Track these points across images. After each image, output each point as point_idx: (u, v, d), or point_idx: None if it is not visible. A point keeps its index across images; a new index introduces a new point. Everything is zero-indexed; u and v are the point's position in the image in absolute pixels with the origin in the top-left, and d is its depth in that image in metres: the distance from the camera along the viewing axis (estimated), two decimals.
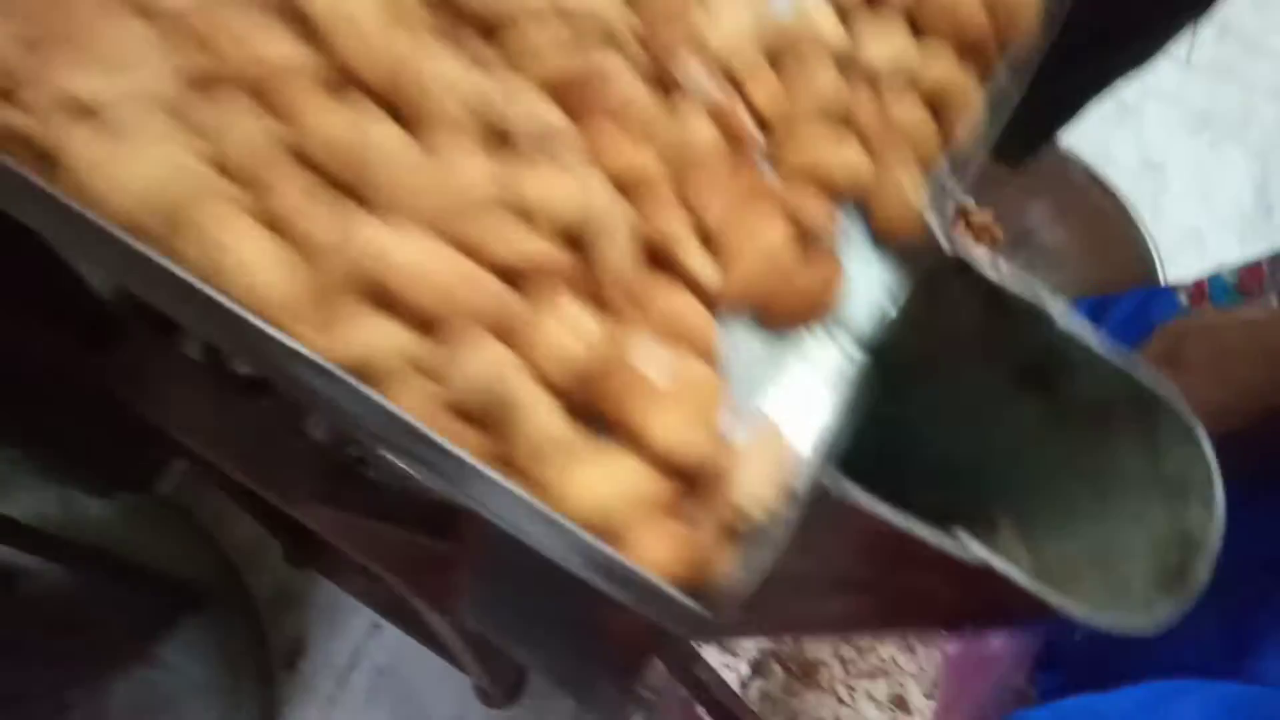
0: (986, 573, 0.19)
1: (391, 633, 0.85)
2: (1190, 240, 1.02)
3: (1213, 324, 0.39)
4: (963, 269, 0.22)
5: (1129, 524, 0.22)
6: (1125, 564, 0.21)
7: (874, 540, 0.20)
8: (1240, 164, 1.07)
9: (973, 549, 0.19)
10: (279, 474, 0.48)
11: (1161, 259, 0.81)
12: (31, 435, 0.55)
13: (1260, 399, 0.34)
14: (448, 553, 0.37)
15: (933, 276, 0.23)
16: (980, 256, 0.22)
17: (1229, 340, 0.37)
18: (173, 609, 0.82)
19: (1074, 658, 0.46)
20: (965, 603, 0.22)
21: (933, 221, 0.23)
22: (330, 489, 0.46)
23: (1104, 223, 0.85)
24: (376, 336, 0.21)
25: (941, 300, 0.23)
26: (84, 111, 0.21)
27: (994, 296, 0.22)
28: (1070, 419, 0.23)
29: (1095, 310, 0.76)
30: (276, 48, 0.22)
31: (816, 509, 0.20)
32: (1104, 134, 1.03)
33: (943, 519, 0.20)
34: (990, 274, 0.22)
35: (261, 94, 0.22)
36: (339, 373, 0.20)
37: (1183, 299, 0.67)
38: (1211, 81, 1.08)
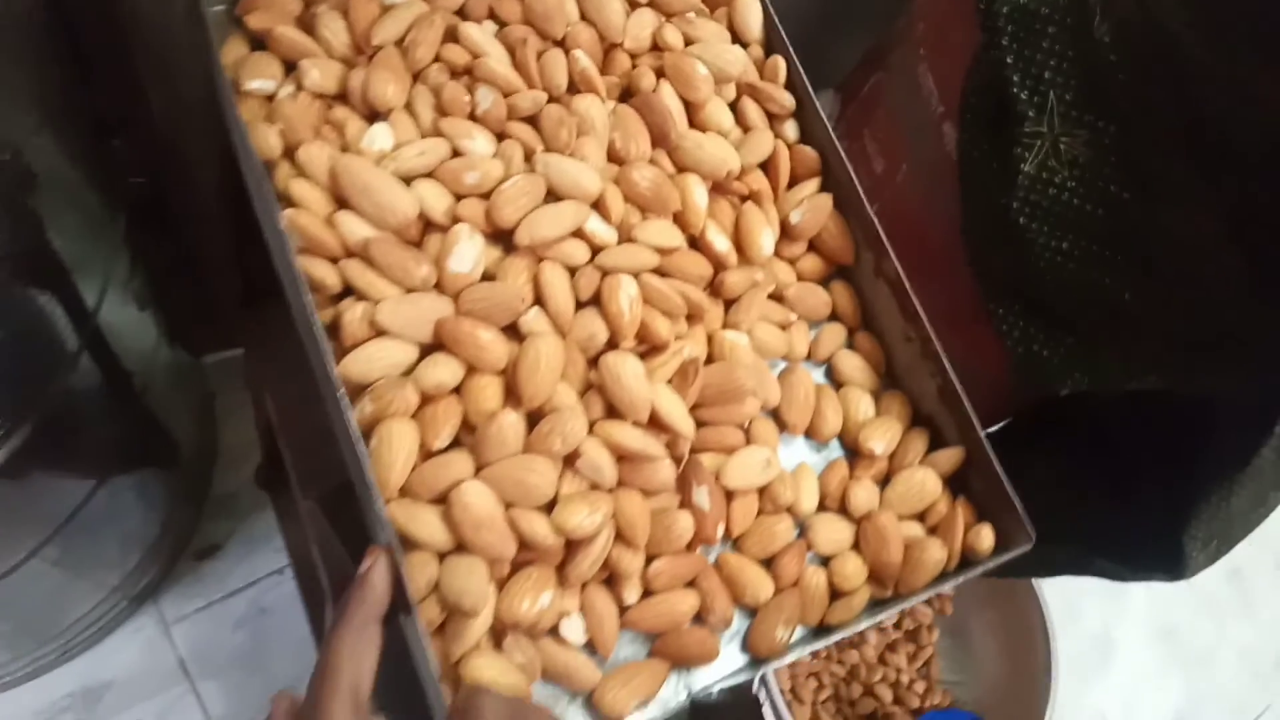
0: None
1: (289, 585, 0.98)
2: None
3: None
4: (757, 705, 0.36)
5: None
6: None
7: None
8: None
9: None
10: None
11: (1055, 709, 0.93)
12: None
13: None
14: None
15: (741, 694, 0.37)
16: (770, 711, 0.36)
17: None
18: (146, 453, 0.93)
19: None
20: None
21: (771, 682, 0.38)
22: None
23: (1025, 661, 0.98)
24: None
25: (741, 710, 0.37)
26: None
27: None
28: None
29: None
30: None
31: None
32: None
33: None
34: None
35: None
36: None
37: None
38: None
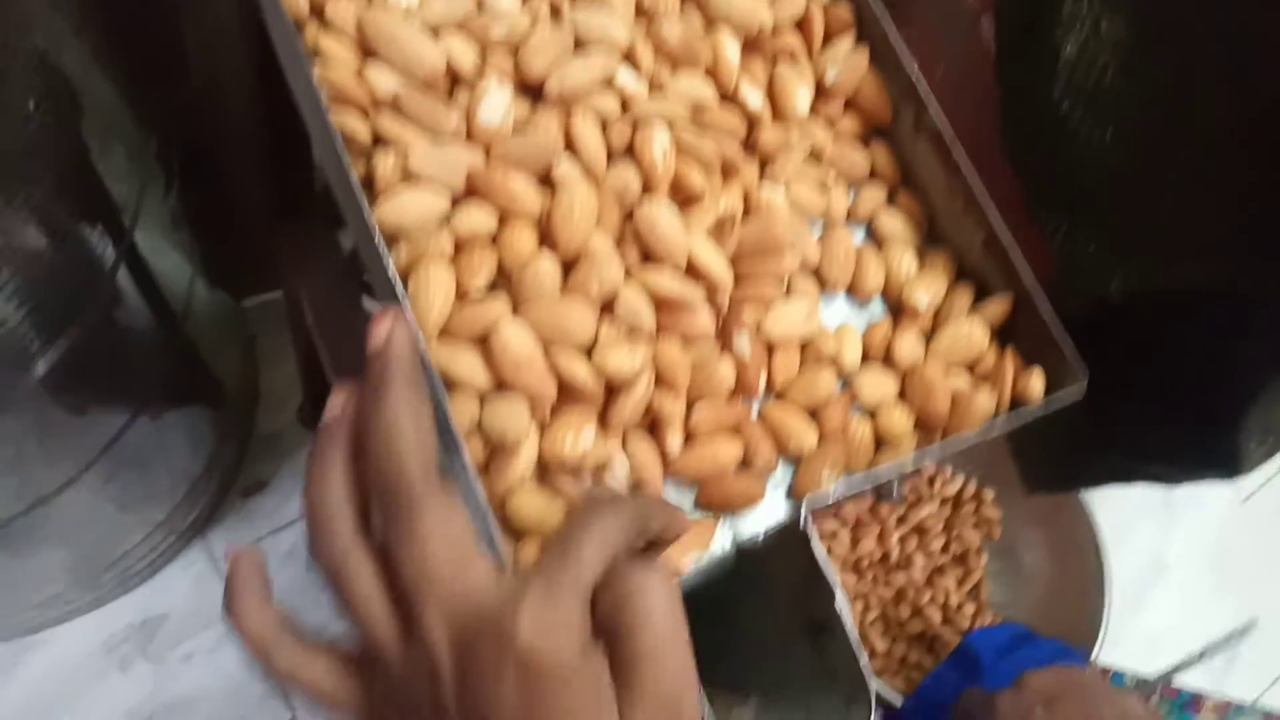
0: None
1: None
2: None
3: (1095, 693, 0.47)
4: (805, 542, 0.36)
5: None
6: None
7: None
8: None
9: None
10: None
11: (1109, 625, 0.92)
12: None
13: None
14: None
15: (788, 534, 0.37)
16: (818, 544, 0.36)
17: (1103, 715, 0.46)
18: (192, 389, 0.93)
19: None
20: None
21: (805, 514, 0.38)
22: None
23: (1077, 579, 0.97)
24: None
25: (787, 550, 0.37)
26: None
27: (813, 568, 0.36)
28: (824, 658, 0.37)
29: (1017, 640, 0.87)
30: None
31: None
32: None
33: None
34: (817, 551, 0.36)
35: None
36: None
37: None
38: None
